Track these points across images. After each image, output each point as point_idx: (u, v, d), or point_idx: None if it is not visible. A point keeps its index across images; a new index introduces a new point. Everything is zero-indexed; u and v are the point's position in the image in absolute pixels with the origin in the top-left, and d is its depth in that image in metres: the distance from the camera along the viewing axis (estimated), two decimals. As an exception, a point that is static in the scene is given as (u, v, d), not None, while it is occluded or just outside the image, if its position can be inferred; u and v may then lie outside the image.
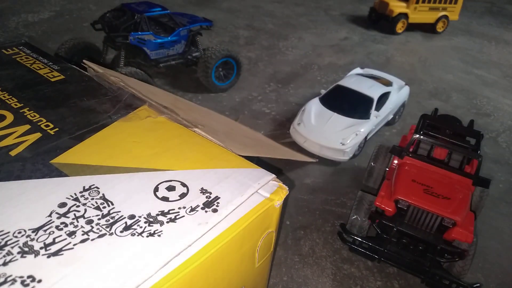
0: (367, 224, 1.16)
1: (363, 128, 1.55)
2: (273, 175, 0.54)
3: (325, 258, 1.16)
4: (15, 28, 2.47)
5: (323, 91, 1.75)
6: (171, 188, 0.49)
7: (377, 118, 1.62)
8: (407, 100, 1.92)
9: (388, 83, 1.81)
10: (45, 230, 0.42)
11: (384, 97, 1.70)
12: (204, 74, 1.90)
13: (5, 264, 0.38)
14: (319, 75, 2.36)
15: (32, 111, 0.60)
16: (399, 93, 1.80)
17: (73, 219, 0.43)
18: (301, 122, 1.59)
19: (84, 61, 0.77)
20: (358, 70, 2.01)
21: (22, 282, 0.36)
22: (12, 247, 0.39)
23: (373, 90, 1.67)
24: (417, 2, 3.12)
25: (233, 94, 2.01)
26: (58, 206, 0.45)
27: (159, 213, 0.46)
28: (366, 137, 1.59)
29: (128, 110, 0.65)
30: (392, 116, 1.81)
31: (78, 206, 0.45)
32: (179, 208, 0.47)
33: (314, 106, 1.65)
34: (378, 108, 1.65)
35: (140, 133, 0.60)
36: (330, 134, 1.52)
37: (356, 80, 1.75)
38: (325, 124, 1.56)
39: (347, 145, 1.49)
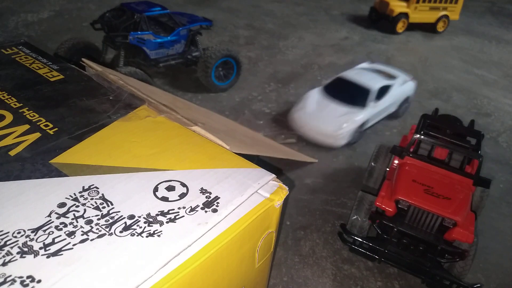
0: (368, 225, 1.16)
1: (358, 115, 1.63)
2: (273, 175, 0.54)
3: (326, 258, 1.16)
4: (15, 28, 2.47)
5: (324, 82, 1.86)
6: (170, 188, 0.49)
7: (374, 108, 1.70)
8: (412, 95, 1.96)
9: (391, 77, 1.87)
10: (44, 230, 0.42)
11: (385, 90, 1.77)
12: (204, 74, 1.90)
13: (4, 264, 0.37)
14: (319, 74, 2.36)
15: (31, 111, 0.60)
16: (401, 87, 1.86)
17: (72, 219, 0.43)
18: (299, 109, 1.68)
19: (83, 59, 0.77)
20: (365, 64, 2.06)
21: (22, 282, 0.36)
22: (12, 247, 0.39)
23: (373, 82, 1.74)
24: (417, 2, 3.11)
25: (233, 94, 2.01)
26: (57, 206, 0.45)
27: (159, 213, 0.45)
28: (363, 126, 1.67)
29: (128, 110, 0.65)
30: (395, 109, 1.87)
31: (77, 206, 0.45)
32: (179, 208, 0.46)
33: (315, 95, 1.74)
34: (377, 99, 1.72)
35: (140, 133, 0.60)
36: (326, 121, 1.60)
37: (358, 73, 1.84)
38: (322, 111, 1.65)
39: (341, 131, 1.57)
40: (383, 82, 1.78)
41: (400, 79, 1.90)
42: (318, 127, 1.60)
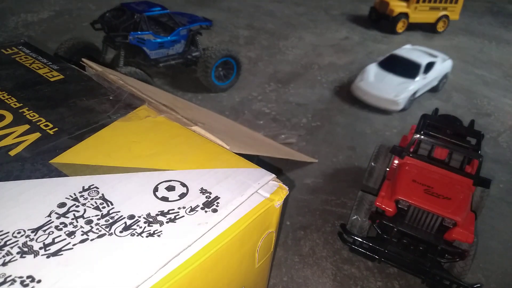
0: (368, 225, 1.16)
1: (411, 85, 2.00)
2: (273, 175, 0.54)
3: (326, 258, 1.16)
4: (15, 28, 2.47)
5: (379, 58, 2.24)
6: (170, 188, 0.49)
7: (423, 80, 2.07)
8: (449, 72, 2.31)
9: (434, 56, 2.22)
10: (44, 230, 0.41)
11: (430, 65, 2.12)
12: (204, 74, 1.90)
13: (4, 264, 0.37)
14: (319, 74, 2.36)
15: (31, 111, 0.60)
16: (442, 64, 2.22)
17: (72, 219, 0.43)
18: (362, 79, 2.04)
19: (82, 59, 0.77)
20: (408, 46, 2.37)
21: (22, 282, 0.36)
22: (12, 247, 0.39)
23: (422, 58, 2.11)
24: (417, 2, 3.11)
25: (233, 94, 2.01)
26: (57, 206, 0.45)
27: (159, 213, 0.45)
28: (414, 95, 2.03)
29: (128, 110, 0.65)
30: (436, 83, 2.23)
31: (77, 206, 0.45)
32: (179, 208, 0.46)
33: (373, 68, 2.11)
34: (425, 73, 2.08)
35: (140, 133, 0.60)
36: (386, 89, 1.96)
37: (408, 51, 2.21)
38: (382, 81, 2.02)
39: (400, 97, 1.93)
40: (429, 59, 2.14)
41: (440, 57, 2.24)
42: (379, 95, 1.95)
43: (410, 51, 2.20)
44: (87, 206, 0.45)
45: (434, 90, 2.25)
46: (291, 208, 1.33)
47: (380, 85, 1.98)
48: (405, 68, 2.07)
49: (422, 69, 2.06)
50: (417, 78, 2.04)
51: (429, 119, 1.33)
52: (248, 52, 2.52)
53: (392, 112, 1.97)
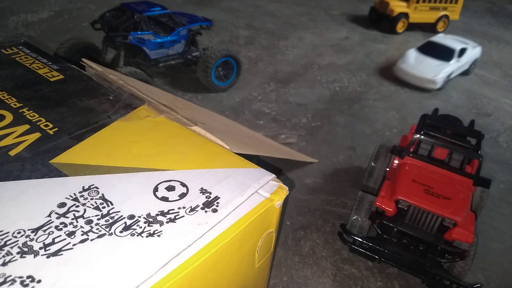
0: (368, 225, 1.16)
1: (447, 67, 2.30)
2: (273, 175, 0.54)
3: (326, 258, 1.16)
4: (15, 28, 2.47)
5: (417, 44, 2.54)
6: (170, 188, 0.49)
7: (457, 63, 2.37)
8: (479, 58, 2.61)
9: (465, 43, 2.50)
10: (44, 230, 0.42)
11: (463, 51, 2.42)
12: (204, 74, 1.90)
13: (4, 264, 0.37)
14: (319, 74, 2.36)
15: (31, 111, 0.60)
16: (473, 50, 2.51)
17: (72, 219, 0.43)
18: (403, 62, 2.34)
19: (83, 59, 0.77)
20: (441, 35, 2.65)
21: (22, 282, 0.36)
22: (12, 247, 0.39)
23: (456, 44, 2.42)
24: (417, 2, 3.11)
25: (233, 94, 2.01)
26: (57, 206, 0.45)
27: (159, 213, 0.45)
28: (449, 76, 2.31)
29: (128, 110, 0.65)
30: (467, 67, 2.51)
31: (77, 206, 0.45)
32: (179, 208, 0.46)
33: (413, 53, 2.42)
34: (459, 57, 2.38)
35: (140, 133, 0.60)
36: (425, 70, 2.26)
37: (443, 38, 2.53)
38: (421, 63, 2.31)
39: (438, 76, 2.22)
40: (462, 45, 2.44)
41: (471, 45, 2.52)
42: (419, 75, 2.24)
43: (445, 39, 2.50)
44: (87, 206, 0.45)
45: (465, 73, 2.51)
46: (291, 208, 1.33)
47: (420, 67, 2.27)
48: (441, 52, 2.36)
49: (456, 54, 2.35)
50: (452, 61, 2.32)
51: (429, 119, 1.33)
52: (248, 52, 2.52)
53: (431, 90, 2.25)
